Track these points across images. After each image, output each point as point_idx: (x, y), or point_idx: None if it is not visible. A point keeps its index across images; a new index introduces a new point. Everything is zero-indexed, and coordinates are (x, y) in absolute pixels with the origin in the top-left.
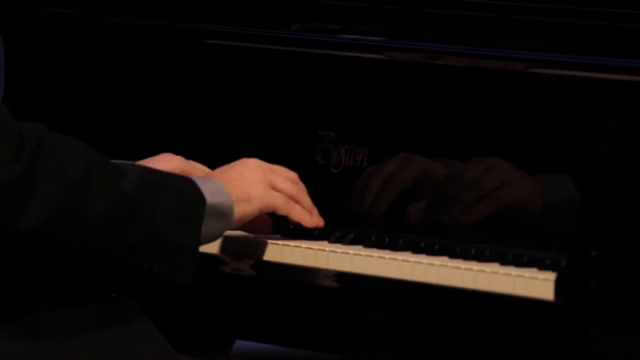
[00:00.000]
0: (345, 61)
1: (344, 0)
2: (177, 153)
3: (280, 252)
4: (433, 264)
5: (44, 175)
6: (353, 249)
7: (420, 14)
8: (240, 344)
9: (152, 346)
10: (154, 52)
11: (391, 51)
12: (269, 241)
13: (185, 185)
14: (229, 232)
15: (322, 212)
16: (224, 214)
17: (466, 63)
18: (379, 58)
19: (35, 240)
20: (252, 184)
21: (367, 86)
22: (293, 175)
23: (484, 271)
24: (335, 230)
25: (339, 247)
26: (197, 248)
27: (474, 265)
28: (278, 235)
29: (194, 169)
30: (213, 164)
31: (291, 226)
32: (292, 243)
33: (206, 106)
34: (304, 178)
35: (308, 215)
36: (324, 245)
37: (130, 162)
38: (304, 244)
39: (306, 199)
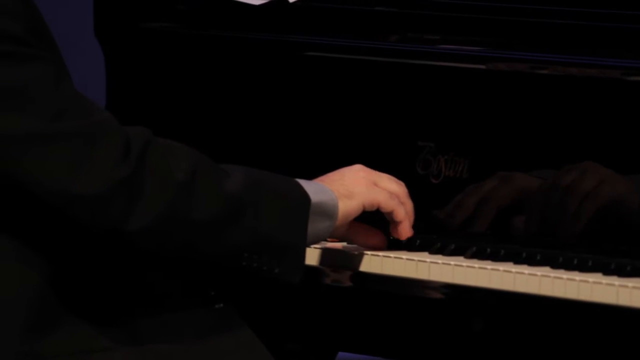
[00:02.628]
0: (444, 71)
1: (443, 10)
2: (280, 164)
3: (381, 263)
4: (535, 275)
5: (151, 178)
6: (454, 260)
7: (519, 24)
8: (342, 356)
9: (254, 357)
10: (253, 64)
11: (491, 61)
12: (370, 253)
13: (288, 185)
14: (329, 244)
15: (422, 223)
16: (328, 212)
17: (563, 72)
18: (478, 68)
19: (142, 247)
20: (354, 182)
21: (466, 96)
22: (398, 180)
23: (586, 281)
24: (436, 241)
25: (440, 258)
26: (304, 247)
27: (577, 276)
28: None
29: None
30: (315, 175)
31: (391, 237)
32: (392, 254)
33: (307, 118)
34: None
35: (408, 222)
36: (425, 256)
37: (234, 165)
38: (404, 255)
39: (409, 203)
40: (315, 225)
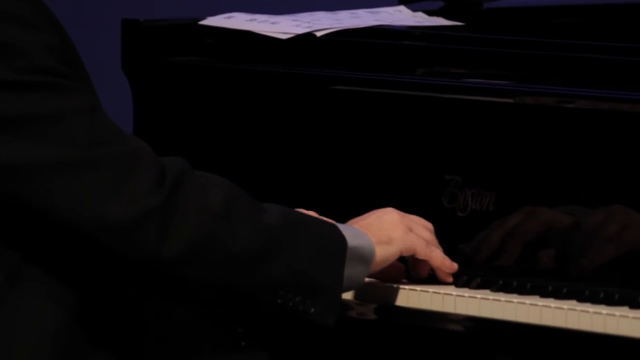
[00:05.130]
0: (471, 105)
1: (469, 44)
2: (304, 199)
3: (407, 296)
4: (561, 308)
5: (186, 207)
6: (480, 293)
7: (547, 57)
8: None
9: None
10: (281, 98)
11: (518, 95)
12: (396, 286)
13: (326, 226)
14: None
15: (449, 256)
16: (364, 257)
17: (592, 106)
18: (505, 102)
19: (175, 278)
20: (392, 227)
21: (493, 130)
22: (429, 225)
23: (613, 315)
24: (462, 274)
25: (466, 292)
26: (340, 290)
27: (603, 309)
28: (404, 280)
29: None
30: (342, 208)
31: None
32: (418, 288)
33: (335, 152)
34: (430, 222)
35: (448, 260)
36: (451, 289)
37: (268, 203)
38: (430, 288)
39: (440, 248)
40: (351, 270)
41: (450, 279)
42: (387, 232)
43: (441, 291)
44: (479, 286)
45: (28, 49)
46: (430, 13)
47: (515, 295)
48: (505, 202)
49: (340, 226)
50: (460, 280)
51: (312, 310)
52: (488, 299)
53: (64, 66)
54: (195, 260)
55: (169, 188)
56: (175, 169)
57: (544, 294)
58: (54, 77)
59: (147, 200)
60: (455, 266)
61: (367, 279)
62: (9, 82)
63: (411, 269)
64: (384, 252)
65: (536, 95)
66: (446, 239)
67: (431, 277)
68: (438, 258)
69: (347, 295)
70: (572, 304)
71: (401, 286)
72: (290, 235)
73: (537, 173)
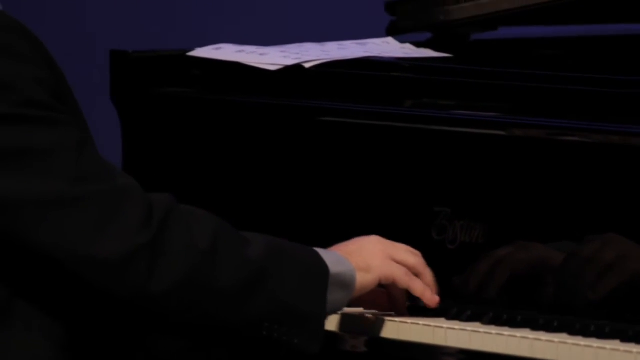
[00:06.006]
0: (460, 137)
1: (458, 76)
2: (295, 230)
3: (398, 329)
4: (552, 341)
5: (173, 243)
6: (471, 326)
7: (536, 89)
8: None
9: None
10: (269, 129)
11: (508, 127)
12: (386, 318)
13: (308, 254)
14: (346, 309)
15: (439, 288)
16: (346, 283)
17: (582, 138)
18: (494, 134)
19: (161, 313)
20: (372, 255)
21: (482, 162)
22: (415, 250)
23: (604, 348)
24: (452, 306)
25: (456, 324)
26: (324, 317)
27: (594, 342)
28: (393, 312)
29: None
30: (330, 240)
31: (408, 303)
32: (409, 320)
33: (322, 184)
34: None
35: (429, 292)
36: (442, 322)
37: (252, 233)
38: (421, 320)
39: (428, 273)
40: (333, 296)
41: (431, 306)
42: (366, 259)
43: (432, 324)
44: (470, 319)
45: (16, 82)
46: (418, 44)
47: (506, 328)
48: (495, 234)
49: (322, 252)
50: (451, 312)
51: (297, 340)
52: (479, 332)
53: (53, 99)
54: (182, 296)
55: (156, 225)
56: (162, 206)
57: (535, 327)
58: (43, 110)
59: (135, 238)
60: (436, 299)
61: (356, 310)
62: None
63: (392, 297)
64: (362, 280)
65: (525, 127)
66: (436, 272)
67: (423, 308)
68: (418, 288)
69: (337, 328)
70: (563, 337)
71: (391, 318)
72: (274, 266)
73: (527, 205)
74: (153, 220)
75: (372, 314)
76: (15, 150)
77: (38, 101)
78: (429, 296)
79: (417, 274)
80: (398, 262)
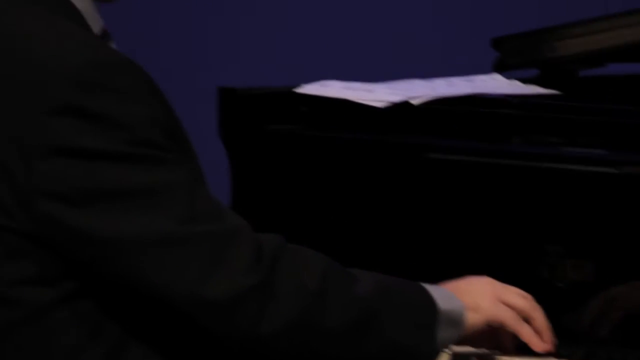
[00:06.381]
0: (570, 174)
1: (568, 113)
2: (404, 267)
3: None
4: None
5: (283, 284)
6: None
7: None
8: None
9: None
10: (377, 165)
11: (620, 164)
12: (495, 357)
13: (416, 291)
14: (454, 347)
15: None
16: (455, 321)
17: None
18: (606, 171)
19: (270, 354)
20: (481, 295)
21: (593, 199)
22: (526, 294)
23: None
24: (563, 345)
25: None
26: (434, 355)
27: None
28: (498, 351)
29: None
30: (437, 278)
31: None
32: (517, 359)
33: (429, 220)
34: (528, 292)
35: (537, 339)
36: None
37: (360, 270)
38: None
39: (539, 318)
40: (441, 334)
41: (541, 351)
42: (476, 299)
43: None
44: (582, 359)
45: (130, 121)
46: (525, 81)
47: None
48: (606, 272)
49: (431, 288)
50: (562, 353)
51: None
52: None
53: (165, 138)
54: (292, 337)
55: (266, 267)
56: (271, 247)
57: None
58: (154, 149)
59: (244, 280)
60: (545, 346)
61: (464, 348)
62: (108, 154)
63: (500, 337)
64: (471, 319)
65: (636, 164)
66: (546, 310)
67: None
68: (526, 334)
69: None
70: None
71: (500, 357)
72: (383, 304)
73: (639, 243)
74: (263, 261)
75: (480, 352)
76: (127, 190)
77: (151, 141)
78: (537, 343)
79: (527, 318)
80: (508, 305)
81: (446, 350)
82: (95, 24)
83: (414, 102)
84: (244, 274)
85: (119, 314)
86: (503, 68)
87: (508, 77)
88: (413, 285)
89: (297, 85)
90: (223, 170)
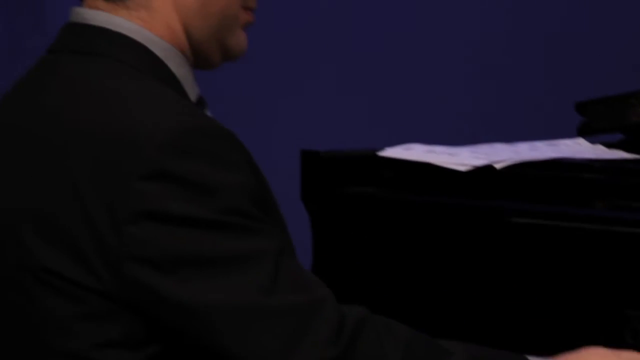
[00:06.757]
0: None
1: None
2: (487, 335)
3: None
4: None
5: (363, 357)
6: None
7: None
8: None
9: None
10: (460, 230)
11: None
12: None
13: None
14: None
15: None
16: None
17: None
18: None
19: None
20: None
21: None
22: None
23: None
24: None
25: None
26: None
27: None
28: None
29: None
30: (521, 343)
31: None
32: None
33: (512, 285)
34: None
35: None
36: None
37: (452, 342)
38: None
39: None
40: None
41: None
42: None
43: None
44: None
45: (220, 188)
46: (609, 145)
47: None
48: None
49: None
50: None
51: None
52: None
53: (255, 207)
54: None
55: (347, 339)
56: (353, 320)
57: None
58: (244, 218)
59: (325, 353)
60: None
61: None
62: (198, 220)
63: None
64: None
65: None
66: None
67: None
68: None
69: None
70: None
71: None
72: None
73: None
74: (344, 333)
75: None
76: (214, 257)
77: (241, 209)
78: None
79: None
80: None
81: None
82: (192, 91)
83: (497, 166)
84: (325, 347)
85: None
86: (587, 132)
87: (592, 141)
88: (512, 357)
89: (380, 148)
90: (304, 233)
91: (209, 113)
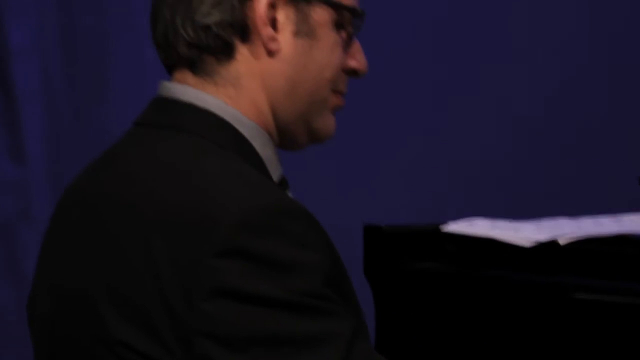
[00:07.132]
0: None
1: None
2: None
3: None
4: None
5: None
6: None
7: None
8: None
9: None
10: (523, 305)
11: None
12: None
13: None
14: None
15: None
16: None
17: None
18: None
19: None
20: None
21: None
22: None
23: None
24: None
25: None
26: None
27: None
28: None
29: None
30: None
31: None
32: None
33: None
34: None
35: None
36: None
37: None
38: None
39: None
40: None
41: None
42: None
43: None
44: None
45: (295, 267)
46: None
47: None
48: None
49: None
50: None
51: None
52: None
53: (330, 289)
54: None
55: None
56: None
57: None
58: (317, 299)
59: None
60: None
61: None
62: (271, 300)
63: None
64: None
65: None
66: None
67: None
68: None
69: None
70: None
71: None
72: None
73: None
74: None
75: None
76: (285, 337)
77: (315, 290)
78: None
79: None
80: None
81: None
82: (275, 171)
83: (561, 241)
84: None
85: None
86: None
87: None
88: None
89: (443, 222)
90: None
91: (290, 194)
